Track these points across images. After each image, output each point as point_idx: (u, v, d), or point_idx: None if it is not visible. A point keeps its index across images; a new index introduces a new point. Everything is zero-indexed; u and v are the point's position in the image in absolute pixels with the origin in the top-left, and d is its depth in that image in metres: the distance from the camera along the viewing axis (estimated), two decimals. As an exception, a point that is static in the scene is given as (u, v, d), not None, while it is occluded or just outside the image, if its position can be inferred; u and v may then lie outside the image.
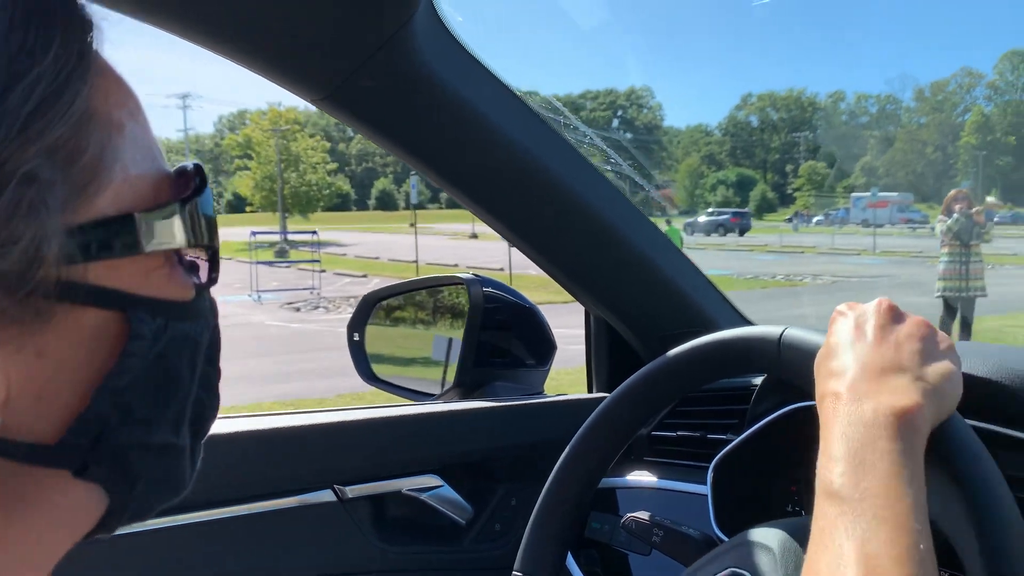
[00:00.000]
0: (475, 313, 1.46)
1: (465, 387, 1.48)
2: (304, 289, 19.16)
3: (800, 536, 0.79)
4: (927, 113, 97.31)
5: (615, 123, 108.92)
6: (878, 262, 25.53)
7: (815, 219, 58.19)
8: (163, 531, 1.10)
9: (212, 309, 0.50)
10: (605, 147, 1.34)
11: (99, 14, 0.43)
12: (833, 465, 0.59)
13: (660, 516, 1.21)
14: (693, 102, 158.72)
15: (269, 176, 42.69)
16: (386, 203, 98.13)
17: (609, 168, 1.37)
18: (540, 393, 1.54)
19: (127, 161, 0.42)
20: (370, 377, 1.58)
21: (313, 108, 1.11)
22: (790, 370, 0.79)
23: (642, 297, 1.40)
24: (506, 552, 1.28)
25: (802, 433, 1.13)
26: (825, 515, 0.58)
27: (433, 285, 1.61)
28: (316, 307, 16.55)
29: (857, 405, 0.62)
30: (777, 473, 1.18)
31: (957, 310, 8.64)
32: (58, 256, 0.38)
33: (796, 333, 0.78)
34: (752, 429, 1.13)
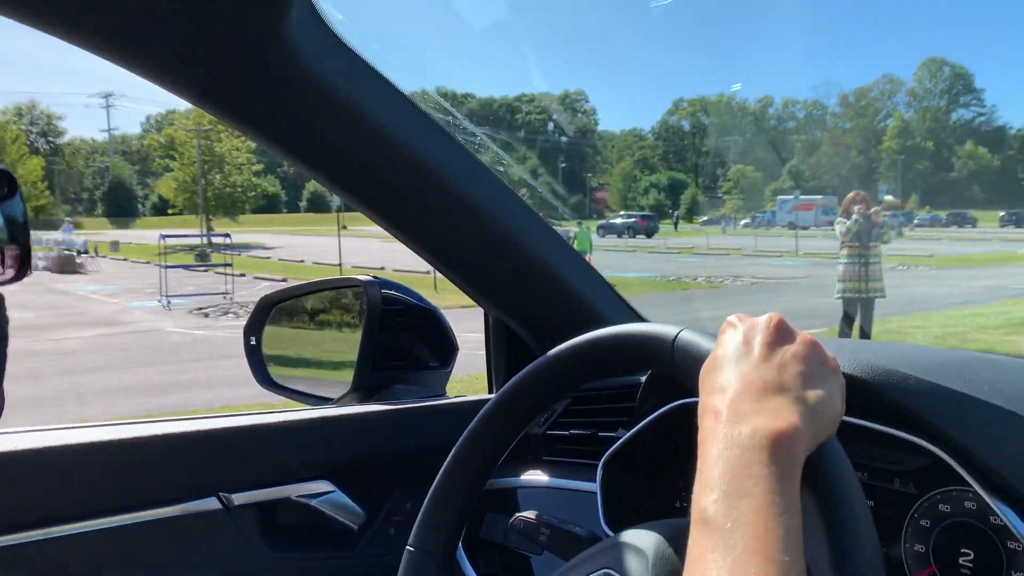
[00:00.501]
0: (373, 315, 1.44)
1: (364, 391, 1.47)
2: (218, 294, 18.64)
3: (677, 540, 0.78)
4: (851, 118, 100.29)
5: (550, 126, 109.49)
6: (800, 263, 26.14)
7: (743, 222, 59.42)
8: (40, 543, 1.06)
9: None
10: (497, 148, 1.33)
11: None
12: (708, 492, 0.59)
13: (549, 515, 1.21)
14: (627, 107, 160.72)
15: (193, 177, 41.72)
16: (318, 205, 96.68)
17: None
18: (441, 395, 1.53)
19: None
20: (267, 382, 1.55)
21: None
22: (683, 372, 0.77)
23: (536, 297, 1.40)
24: (401, 556, 1.28)
25: (688, 428, 1.14)
26: (697, 544, 0.57)
27: (331, 288, 1.59)
28: (226, 312, 16.06)
29: (735, 426, 0.62)
30: (665, 468, 1.19)
31: (857, 311, 8.68)
32: None
33: (691, 336, 0.77)
34: (638, 426, 1.14)
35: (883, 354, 0.94)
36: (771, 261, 27.43)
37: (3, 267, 0.50)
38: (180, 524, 1.17)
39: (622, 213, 55.57)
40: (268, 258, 30.80)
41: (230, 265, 21.39)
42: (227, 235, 26.13)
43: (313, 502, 1.27)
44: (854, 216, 8.45)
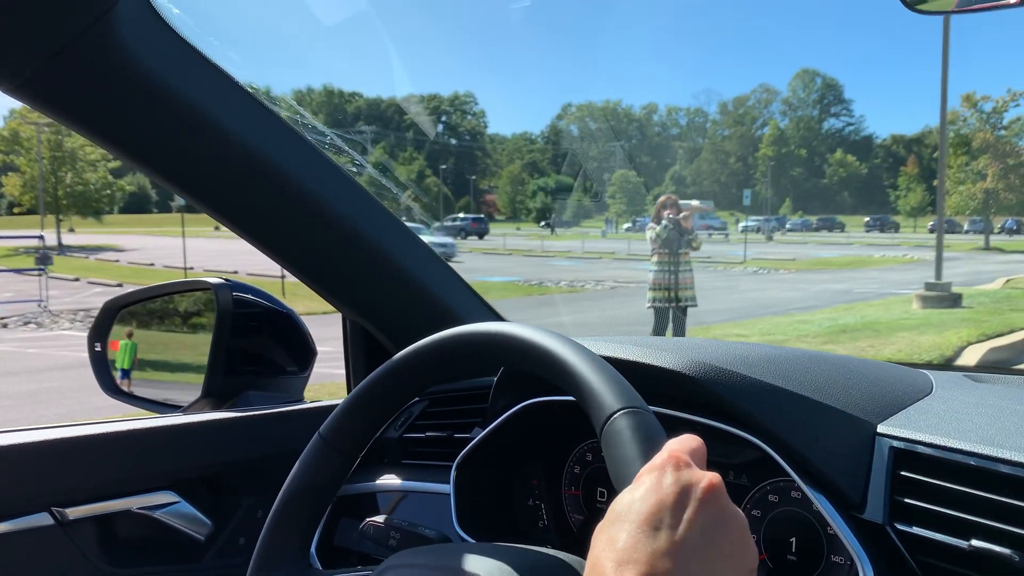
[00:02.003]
0: (223, 319, 1.39)
1: (215, 397, 1.42)
2: (32, 301, 16.42)
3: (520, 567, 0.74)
4: (730, 126, 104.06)
5: (440, 128, 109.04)
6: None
7: (624, 226, 60.56)
8: None
9: None
10: (348, 148, 1.31)
11: None
12: None
13: (400, 518, 1.20)
14: (519, 111, 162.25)
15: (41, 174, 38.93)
16: (191, 206, 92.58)
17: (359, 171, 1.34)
18: (299, 401, 1.50)
19: None
20: (113, 390, 1.48)
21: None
22: (605, 448, 0.66)
23: (391, 299, 1.38)
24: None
25: (540, 427, 1.16)
26: None
27: (180, 291, 1.53)
28: (28, 323, 14.53)
29: None
30: (518, 467, 1.20)
31: (668, 321, 8.14)
32: None
33: (627, 426, 0.64)
34: (490, 426, 1.14)
35: (712, 351, 0.97)
36: (640, 265, 28.02)
37: None
38: (8, 542, 1.10)
39: (460, 215, 56.81)
40: (117, 261, 28.85)
41: (42, 270, 18.82)
42: (40, 237, 23.71)
43: (156, 514, 1.22)
44: (663, 222, 7.89)
